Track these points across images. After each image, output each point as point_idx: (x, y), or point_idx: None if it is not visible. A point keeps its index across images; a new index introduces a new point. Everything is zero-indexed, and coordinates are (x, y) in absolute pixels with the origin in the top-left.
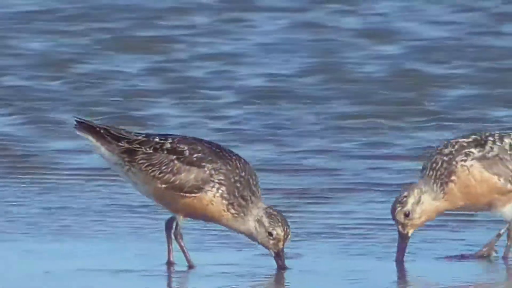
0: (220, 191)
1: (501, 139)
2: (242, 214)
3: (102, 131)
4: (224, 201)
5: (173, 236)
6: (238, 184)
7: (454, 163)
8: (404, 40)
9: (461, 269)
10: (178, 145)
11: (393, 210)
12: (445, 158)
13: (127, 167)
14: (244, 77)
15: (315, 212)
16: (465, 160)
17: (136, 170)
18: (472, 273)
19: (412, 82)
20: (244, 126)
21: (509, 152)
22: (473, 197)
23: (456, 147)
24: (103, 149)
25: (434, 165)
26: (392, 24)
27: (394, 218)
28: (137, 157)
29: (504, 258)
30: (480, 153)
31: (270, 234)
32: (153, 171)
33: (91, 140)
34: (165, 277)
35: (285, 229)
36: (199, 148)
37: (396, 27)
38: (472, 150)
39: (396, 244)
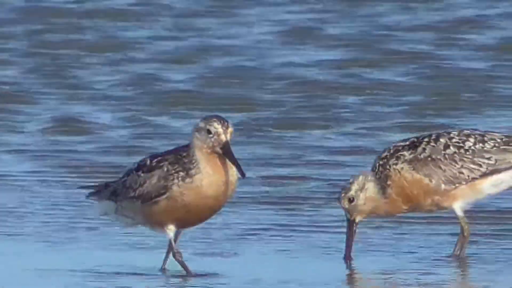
0: (179, 176)
1: (436, 139)
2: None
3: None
4: (182, 181)
5: (176, 258)
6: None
7: (387, 167)
8: None
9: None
10: (142, 161)
11: (339, 196)
12: (381, 162)
13: (117, 205)
14: None
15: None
16: (396, 164)
17: (122, 204)
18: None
19: None
20: None
21: (443, 152)
22: (412, 199)
23: (392, 151)
24: (102, 204)
25: (375, 169)
26: None
27: (339, 204)
28: (118, 190)
29: (455, 256)
30: (412, 155)
31: (209, 131)
32: (129, 192)
33: (102, 204)
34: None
35: (221, 121)
36: (159, 154)
37: None
38: (404, 153)
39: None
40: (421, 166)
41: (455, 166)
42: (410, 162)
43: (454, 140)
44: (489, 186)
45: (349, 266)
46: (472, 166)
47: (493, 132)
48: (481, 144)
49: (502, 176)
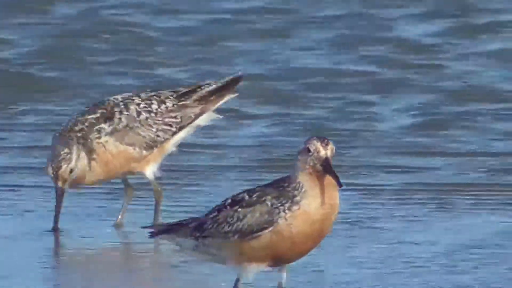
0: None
1: (127, 107)
2: None
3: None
4: (288, 211)
5: None
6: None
7: (89, 141)
8: None
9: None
10: (237, 195)
11: (57, 167)
12: (79, 135)
13: (199, 242)
14: None
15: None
16: (99, 137)
17: (209, 240)
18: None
19: None
20: None
21: (137, 118)
22: (113, 170)
23: (86, 124)
24: (180, 241)
25: (72, 139)
26: None
27: (56, 174)
28: (205, 226)
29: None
30: (111, 127)
31: (308, 150)
32: (223, 227)
33: (171, 240)
34: None
35: (320, 139)
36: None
37: None
38: (103, 125)
39: None
40: (123, 136)
41: (151, 130)
42: (111, 134)
43: (142, 105)
44: (172, 145)
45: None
46: (165, 127)
47: (162, 90)
48: (164, 105)
49: (182, 134)
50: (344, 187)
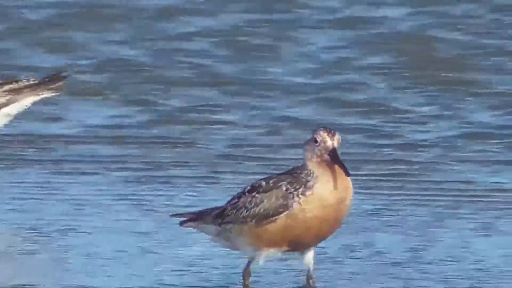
0: (299, 193)
1: None
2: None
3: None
4: (302, 196)
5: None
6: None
7: None
8: None
9: None
10: (256, 183)
11: None
12: None
13: (221, 228)
14: None
15: None
16: None
17: (229, 225)
18: None
19: None
20: None
21: None
22: None
23: None
24: (204, 228)
25: None
26: None
27: None
28: (226, 212)
29: None
30: None
31: (315, 140)
32: (242, 213)
33: (196, 227)
34: None
35: (327, 130)
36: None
37: None
38: None
39: None
40: None
41: None
42: None
43: None
44: None
45: None
46: None
47: None
48: None
49: None
50: (350, 176)
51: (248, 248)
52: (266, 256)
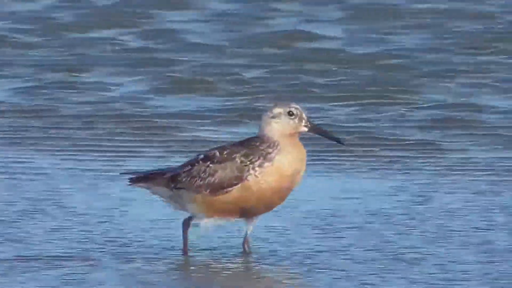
0: (255, 166)
1: None
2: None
3: (151, 175)
4: (259, 168)
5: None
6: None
7: None
8: None
9: None
10: (210, 152)
11: None
12: None
13: (173, 192)
14: None
15: None
16: None
17: (182, 191)
18: None
19: None
20: None
21: None
22: None
23: None
24: (156, 189)
25: None
26: None
27: None
28: (179, 178)
29: None
30: None
31: (290, 113)
32: (195, 181)
33: (148, 188)
34: None
35: (295, 104)
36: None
37: None
38: None
39: None
40: None
41: None
42: None
43: None
44: None
45: None
46: None
47: None
48: None
49: None
50: (345, 144)
51: (198, 214)
52: (215, 223)
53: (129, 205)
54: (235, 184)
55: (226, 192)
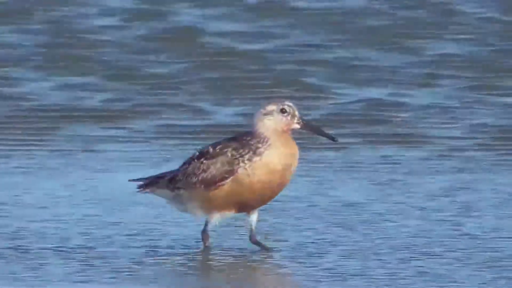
0: (245, 159)
1: None
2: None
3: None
4: (248, 161)
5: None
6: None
7: None
8: None
9: None
10: (204, 148)
11: None
12: None
13: (174, 193)
14: None
15: None
16: None
17: (181, 191)
18: None
19: None
20: None
21: None
22: None
23: None
24: (160, 192)
25: None
26: None
27: None
28: (177, 178)
29: None
30: None
31: (283, 110)
32: (191, 179)
33: (153, 192)
34: None
35: (288, 100)
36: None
37: None
38: None
39: None
40: None
41: None
42: None
43: None
44: None
45: None
46: None
47: None
48: None
49: None
50: (338, 141)
51: (199, 211)
52: (218, 219)
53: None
54: (227, 178)
55: (219, 186)
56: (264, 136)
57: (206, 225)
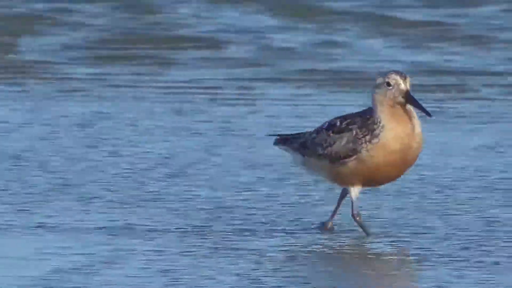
0: (366, 140)
1: None
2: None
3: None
4: (369, 143)
5: (356, 219)
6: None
7: None
8: None
9: None
10: (332, 120)
11: None
12: None
13: (305, 159)
14: None
15: None
16: None
17: (310, 159)
18: None
19: None
20: None
21: None
22: None
23: None
24: (292, 154)
25: None
26: None
27: None
28: (307, 145)
29: None
30: None
31: (388, 84)
32: (318, 149)
33: (286, 150)
34: None
35: (398, 73)
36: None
37: None
38: None
39: None
40: None
41: None
42: None
43: None
44: None
45: None
46: None
47: None
48: None
49: None
50: (433, 117)
51: (328, 182)
52: (354, 191)
53: None
54: (351, 156)
55: (344, 163)
56: (377, 116)
57: (352, 204)
